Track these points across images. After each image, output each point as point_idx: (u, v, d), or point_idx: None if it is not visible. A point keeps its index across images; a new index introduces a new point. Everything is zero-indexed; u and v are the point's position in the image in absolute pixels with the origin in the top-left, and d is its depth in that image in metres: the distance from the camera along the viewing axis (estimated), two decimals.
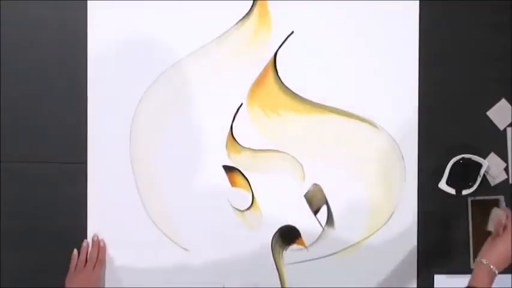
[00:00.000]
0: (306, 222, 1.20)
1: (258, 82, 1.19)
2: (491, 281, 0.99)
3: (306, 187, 1.20)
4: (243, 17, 1.19)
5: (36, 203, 1.18)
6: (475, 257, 1.20)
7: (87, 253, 1.17)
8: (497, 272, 1.00)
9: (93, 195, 1.18)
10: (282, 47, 1.19)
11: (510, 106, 1.22)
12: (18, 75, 1.17)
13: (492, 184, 1.22)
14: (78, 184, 1.18)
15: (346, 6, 1.19)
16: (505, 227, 1.03)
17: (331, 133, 1.20)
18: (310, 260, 1.20)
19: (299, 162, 1.20)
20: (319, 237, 1.21)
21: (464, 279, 1.21)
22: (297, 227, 1.20)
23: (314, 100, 1.20)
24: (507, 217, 1.04)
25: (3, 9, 1.16)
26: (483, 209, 1.21)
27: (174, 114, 1.19)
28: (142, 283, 1.19)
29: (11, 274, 1.17)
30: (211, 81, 1.19)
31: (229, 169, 1.20)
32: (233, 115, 1.19)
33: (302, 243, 1.20)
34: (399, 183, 1.21)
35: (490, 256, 1.00)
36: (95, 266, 1.16)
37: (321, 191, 1.21)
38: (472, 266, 0.98)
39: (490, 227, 1.11)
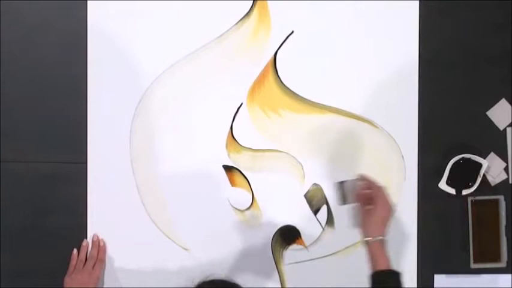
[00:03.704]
0: (306, 222, 1.20)
1: (258, 82, 1.19)
2: (385, 249, 1.01)
3: (306, 187, 1.20)
4: (243, 17, 1.19)
5: (36, 203, 1.18)
6: (475, 257, 1.21)
7: (87, 253, 1.17)
8: (385, 240, 1.01)
9: (93, 195, 1.18)
10: (282, 47, 1.19)
11: (510, 106, 1.22)
12: (18, 75, 1.17)
13: (492, 184, 1.22)
14: (78, 184, 1.18)
15: (346, 7, 1.19)
16: (369, 198, 1.02)
17: (331, 133, 1.20)
18: (310, 260, 1.20)
19: (299, 162, 1.20)
20: (319, 237, 1.21)
21: (464, 279, 1.22)
22: (297, 227, 1.20)
23: (314, 100, 1.20)
24: (361, 186, 1.04)
25: (3, 9, 1.16)
26: (483, 209, 1.21)
27: (174, 114, 1.19)
28: (142, 283, 1.19)
29: (11, 274, 1.17)
30: (212, 81, 1.19)
31: (229, 169, 1.20)
32: (233, 115, 1.19)
33: (302, 243, 1.20)
34: (399, 183, 1.21)
35: (373, 230, 1.01)
36: (94, 265, 1.16)
37: (321, 191, 1.21)
38: (363, 240, 1.00)
39: (349, 200, 1.07)
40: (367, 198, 1.03)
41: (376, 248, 1.00)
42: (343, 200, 1.08)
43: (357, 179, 1.05)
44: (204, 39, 1.18)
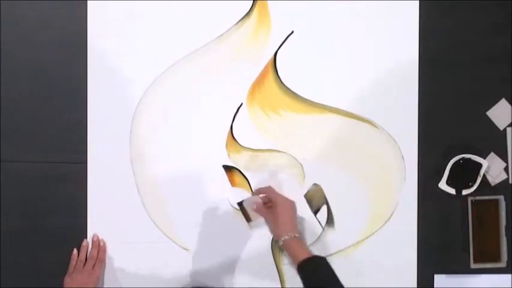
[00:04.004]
0: (306, 222, 1.20)
1: (258, 82, 1.19)
2: (303, 243, 1.07)
3: (306, 187, 1.20)
4: (243, 17, 1.19)
5: (36, 203, 1.18)
6: (475, 257, 1.21)
7: (86, 253, 1.17)
8: (298, 235, 1.07)
9: (93, 195, 1.18)
10: (282, 47, 1.19)
11: (510, 106, 1.22)
12: (18, 75, 1.17)
13: (492, 184, 1.22)
14: (78, 184, 1.18)
15: (346, 6, 1.19)
16: (265, 204, 1.11)
17: (331, 133, 1.20)
18: None
19: (299, 162, 1.20)
20: (319, 237, 1.21)
21: (464, 279, 1.22)
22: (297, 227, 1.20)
23: (314, 100, 1.20)
24: (260, 199, 1.12)
25: (3, 9, 1.16)
26: (483, 209, 1.21)
27: (174, 114, 1.19)
28: (142, 283, 1.19)
29: (11, 274, 1.17)
30: (211, 81, 1.19)
31: (229, 169, 1.20)
32: (233, 115, 1.19)
33: None
34: (399, 183, 1.21)
35: (283, 230, 1.06)
36: (94, 265, 1.16)
37: (321, 191, 1.21)
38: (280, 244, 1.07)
39: (253, 217, 1.16)
40: (268, 206, 1.10)
41: (292, 244, 1.04)
42: (247, 218, 1.16)
43: (252, 196, 1.15)
44: (204, 39, 1.18)
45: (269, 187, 1.15)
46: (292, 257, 1.04)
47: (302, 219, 1.20)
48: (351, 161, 1.20)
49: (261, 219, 1.16)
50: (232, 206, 1.19)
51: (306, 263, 1.00)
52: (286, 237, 1.05)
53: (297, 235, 1.06)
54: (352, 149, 1.20)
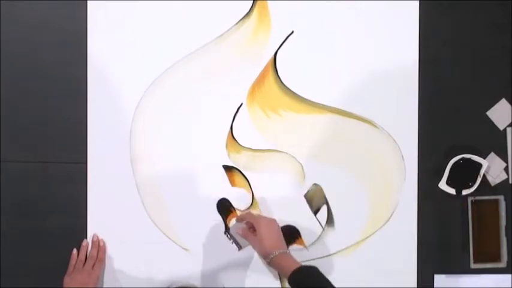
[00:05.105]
0: (306, 222, 1.20)
1: (258, 82, 1.19)
2: (291, 257, 1.06)
3: (306, 187, 1.20)
4: (243, 17, 1.19)
5: (36, 203, 1.18)
6: (475, 257, 1.21)
7: (86, 253, 1.17)
8: (288, 251, 1.08)
9: (93, 195, 1.18)
10: (282, 47, 1.19)
11: (510, 106, 1.22)
12: (18, 75, 1.17)
13: (492, 184, 1.22)
14: (78, 184, 1.18)
15: (345, 6, 1.19)
16: (250, 228, 1.11)
17: (331, 133, 1.20)
18: (310, 260, 1.20)
19: (299, 162, 1.20)
20: (319, 237, 1.21)
21: (464, 279, 1.22)
22: (297, 227, 1.20)
23: (314, 100, 1.20)
24: (244, 224, 1.13)
25: (3, 9, 1.16)
26: (483, 209, 1.21)
27: (174, 114, 1.19)
28: (142, 283, 1.19)
29: (11, 274, 1.17)
30: (211, 81, 1.19)
31: (229, 169, 1.20)
32: (233, 115, 1.19)
33: (302, 243, 1.20)
34: (399, 183, 1.21)
35: (270, 249, 1.05)
36: (94, 265, 1.15)
37: (321, 191, 1.21)
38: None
39: (242, 244, 1.16)
40: (252, 231, 1.10)
41: (280, 259, 1.04)
42: (238, 245, 1.17)
43: (236, 223, 1.15)
44: (204, 39, 1.18)
45: (248, 212, 1.16)
46: (281, 271, 1.03)
47: (302, 219, 1.20)
48: (351, 161, 1.20)
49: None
50: (232, 206, 1.19)
51: (296, 274, 0.99)
52: (272, 255, 1.04)
53: (284, 251, 1.06)
54: (352, 149, 1.20)
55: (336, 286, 1.19)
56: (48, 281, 1.16)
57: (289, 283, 1.00)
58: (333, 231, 1.21)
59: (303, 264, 1.03)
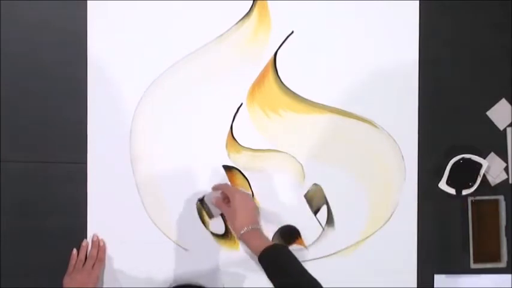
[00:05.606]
0: (306, 222, 1.20)
1: (258, 82, 1.19)
2: (263, 234, 1.07)
3: (306, 187, 1.20)
4: (243, 17, 1.19)
5: (36, 203, 1.18)
6: (475, 257, 1.21)
7: (86, 253, 1.17)
8: (259, 227, 1.08)
9: (93, 195, 1.18)
10: (282, 47, 1.19)
11: (510, 106, 1.22)
12: (18, 75, 1.17)
13: (492, 184, 1.22)
14: (78, 184, 1.18)
15: (346, 6, 1.19)
16: (224, 199, 1.12)
17: (331, 133, 1.20)
18: (310, 260, 1.20)
19: (299, 162, 1.20)
20: (319, 237, 1.21)
21: (464, 279, 1.22)
22: (297, 227, 1.20)
23: (314, 100, 1.20)
24: (219, 194, 1.14)
25: (3, 9, 1.16)
26: (483, 209, 1.21)
27: (174, 114, 1.19)
28: (142, 283, 1.19)
29: (11, 274, 1.17)
30: (211, 81, 1.19)
31: (229, 169, 1.20)
32: (233, 115, 1.19)
33: (302, 243, 1.20)
34: (399, 183, 1.21)
35: (242, 223, 1.06)
36: (94, 265, 1.15)
37: (321, 191, 1.21)
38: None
39: (215, 213, 1.17)
40: (226, 202, 1.11)
41: (251, 236, 1.04)
42: (209, 214, 1.17)
43: (212, 191, 1.16)
44: (204, 39, 1.18)
45: (225, 184, 1.17)
46: (252, 248, 1.03)
47: (302, 219, 1.20)
48: (351, 161, 1.20)
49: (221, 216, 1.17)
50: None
51: (266, 252, 0.99)
52: (244, 230, 1.05)
53: (256, 227, 1.06)
54: (352, 149, 1.20)
55: (336, 286, 1.19)
56: (48, 281, 1.17)
57: (260, 261, 1.00)
58: (333, 231, 1.21)
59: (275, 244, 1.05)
